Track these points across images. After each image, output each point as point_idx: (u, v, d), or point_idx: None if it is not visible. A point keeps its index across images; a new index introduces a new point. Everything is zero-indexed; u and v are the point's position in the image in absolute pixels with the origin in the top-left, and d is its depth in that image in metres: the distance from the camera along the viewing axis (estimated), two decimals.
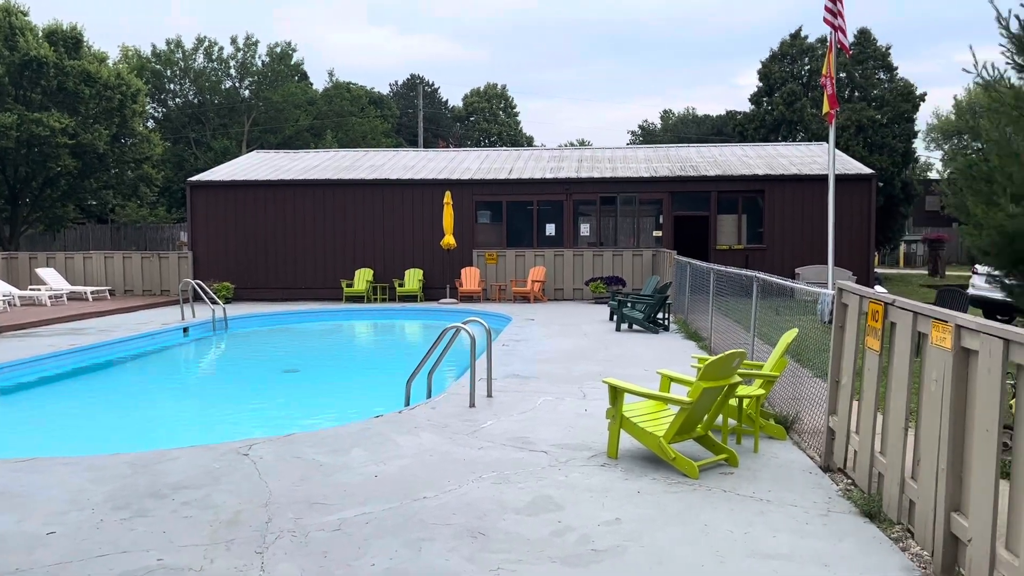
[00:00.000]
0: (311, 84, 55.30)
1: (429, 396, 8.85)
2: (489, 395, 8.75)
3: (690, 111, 71.14)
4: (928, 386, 4.52)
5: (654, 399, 6.58)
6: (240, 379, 12.76)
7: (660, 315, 15.14)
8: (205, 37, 49.36)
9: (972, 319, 4.12)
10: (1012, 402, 4.78)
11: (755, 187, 22.25)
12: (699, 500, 5.47)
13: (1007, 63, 14.24)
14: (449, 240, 20.77)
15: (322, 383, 12.33)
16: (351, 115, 52.68)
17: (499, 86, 70.10)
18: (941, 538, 4.22)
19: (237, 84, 50.47)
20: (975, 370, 4.03)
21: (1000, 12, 13.71)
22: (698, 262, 14.73)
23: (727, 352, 6.16)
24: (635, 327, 14.99)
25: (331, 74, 58.04)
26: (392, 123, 59.24)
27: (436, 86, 68.67)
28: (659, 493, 5.61)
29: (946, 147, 54.75)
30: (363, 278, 22.16)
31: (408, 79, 67.85)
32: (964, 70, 23.67)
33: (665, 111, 74.90)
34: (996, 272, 14.66)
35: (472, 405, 8.27)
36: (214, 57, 49.51)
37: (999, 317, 17.06)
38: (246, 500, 5.45)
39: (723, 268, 12.21)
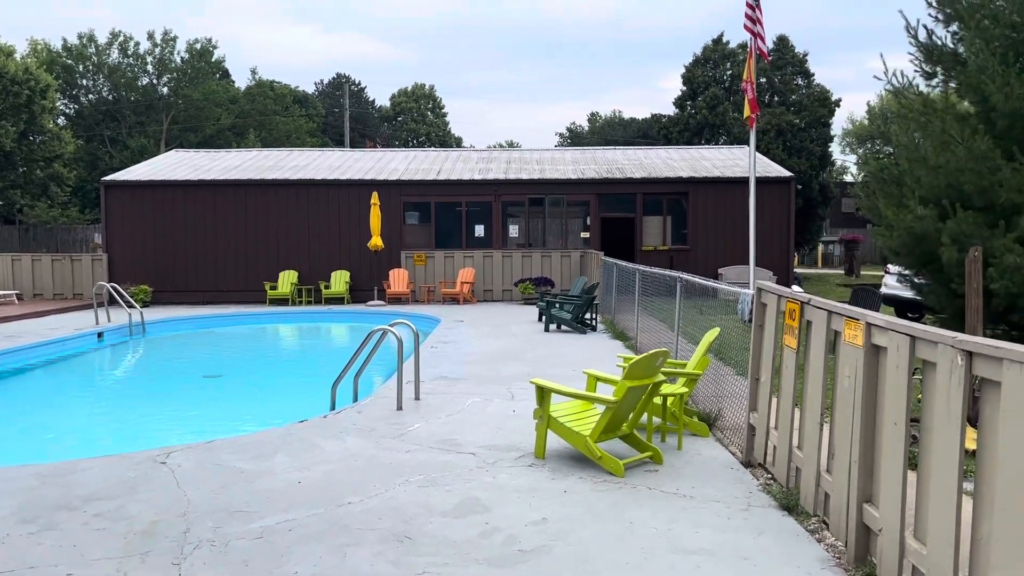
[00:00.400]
0: (233, 82, 54.02)
1: (355, 400, 8.73)
2: (417, 398, 8.68)
3: (617, 114, 72.18)
4: (842, 382, 4.67)
5: (581, 399, 6.63)
6: (158, 385, 12.35)
7: (588, 315, 15.29)
8: (120, 31, 47.70)
9: (882, 317, 4.28)
10: (919, 396, 4.98)
11: (679, 189, 22.70)
12: (625, 498, 5.54)
13: (915, 71, 14.87)
14: (376, 241, 20.56)
15: (245, 388, 12.04)
16: (275, 114, 51.66)
17: (427, 86, 69.81)
18: (854, 529, 4.37)
19: (155, 81, 48.92)
20: (884, 366, 4.18)
21: (909, 22, 14.31)
22: (624, 263, 14.94)
23: (651, 351, 6.26)
24: (563, 327, 15.11)
25: (254, 72, 56.88)
26: (317, 123, 58.36)
27: (363, 85, 68.00)
28: (586, 492, 5.65)
29: (860, 151, 56.97)
30: (287, 280, 21.74)
31: (334, 78, 66.94)
32: (876, 77, 24.24)
33: (592, 113, 75.80)
34: (906, 271, 15.32)
35: (399, 408, 8.19)
36: (130, 52, 47.86)
37: (910, 315, 17.81)
38: (163, 510, 5.27)
39: (648, 269, 12.40)
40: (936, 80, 14.44)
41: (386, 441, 7.02)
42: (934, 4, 13.91)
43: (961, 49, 13.50)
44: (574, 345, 13.15)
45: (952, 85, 14.13)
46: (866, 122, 55.95)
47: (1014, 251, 11.42)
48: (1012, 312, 12.32)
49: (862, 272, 36.33)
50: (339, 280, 21.77)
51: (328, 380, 8.69)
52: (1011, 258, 11.36)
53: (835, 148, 53.13)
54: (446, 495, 5.58)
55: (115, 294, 17.10)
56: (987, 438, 3.24)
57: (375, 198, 20.80)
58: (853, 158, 59.34)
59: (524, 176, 22.95)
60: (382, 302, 20.84)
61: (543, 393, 6.41)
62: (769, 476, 5.98)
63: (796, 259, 43.62)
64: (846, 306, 4.83)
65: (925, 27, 13.82)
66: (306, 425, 7.56)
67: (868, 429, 4.33)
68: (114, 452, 6.69)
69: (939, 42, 13.90)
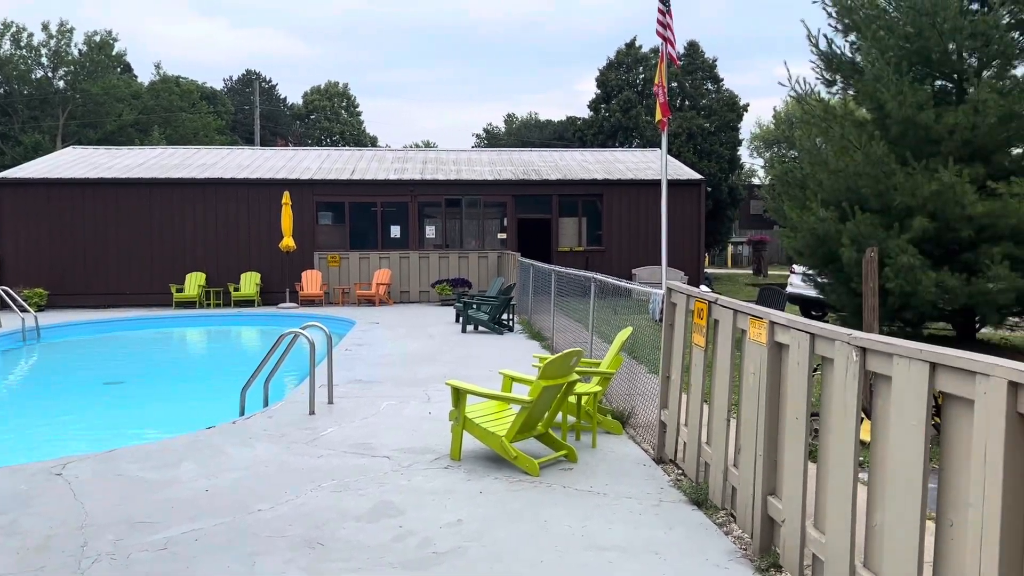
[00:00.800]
0: (135, 77, 52.02)
1: (266, 405, 8.51)
2: (330, 401, 8.53)
3: (533, 116, 72.70)
4: (747, 379, 4.82)
5: (496, 399, 6.64)
6: (54, 393, 11.76)
7: (505, 316, 15.34)
8: (12, 22, 45.27)
9: (784, 316, 4.43)
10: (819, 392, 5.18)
11: (594, 191, 23.03)
12: (540, 497, 5.57)
13: (817, 78, 15.49)
14: (288, 242, 20.12)
15: (149, 395, 11.58)
16: (181, 111, 49.94)
17: (341, 84, 68.74)
18: (759, 520, 4.51)
19: (50, 74, 46.59)
20: (786, 363, 4.33)
21: (811, 31, 14.89)
22: (540, 264, 15.05)
23: (565, 351, 6.32)
24: (481, 328, 15.12)
25: (158, 67, 54.55)
26: (227, 120, 56.74)
27: (274, 83, 66.47)
28: (501, 492, 5.66)
29: (768, 155, 59.01)
30: (195, 283, 21.04)
31: (244, 74, 65.23)
32: (780, 83, 25.17)
33: (509, 115, 76.10)
34: (810, 271, 15.96)
35: (312, 412, 8.03)
36: (23, 44, 45.47)
37: (814, 313, 18.51)
38: (59, 523, 5.02)
39: (564, 269, 12.53)
40: (836, 87, 15.10)
41: (298, 446, 6.87)
42: (834, 15, 14.55)
43: (859, 58, 14.16)
44: (491, 346, 13.17)
45: (851, 92, 14.81)
46: (773, 127, 58.00)
47: (908, 252, 12.04)
48: (906, 310, 12.98)
49: (770, 272, 37.64)
50: (249, 282, 21.21)
51: (237, 385, 8.44)
52: (905, 258, 11.97)
53: (744, 152, 54.87)
54: (359, 499, 5.49)
55: (6, 298, 16.21)
56: (879, 430, 3.39)
57: (286, 198, 20.35)
58: (761, 161, 61.42)
59: (441, 177, 22.87)
60: (295, 304, 20.41)
61: (458, 394, 6.39)
62: (680, 472, 6.12)
63: (707, 259, 44.84)
64: (751, 305, 4.98)
65: (825, 36, 14.44)
66: (214, 432, 7.33)
67: (772, 424, 4.48)
68: (5, 464, 6.33)
69: (839, 51, 14.55)
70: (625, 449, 6.87)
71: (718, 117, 34.04)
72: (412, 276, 21.67)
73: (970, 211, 11.77)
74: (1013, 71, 13.63)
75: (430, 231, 23.04)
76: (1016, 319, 13.77)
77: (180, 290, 20.89)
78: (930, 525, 3.11)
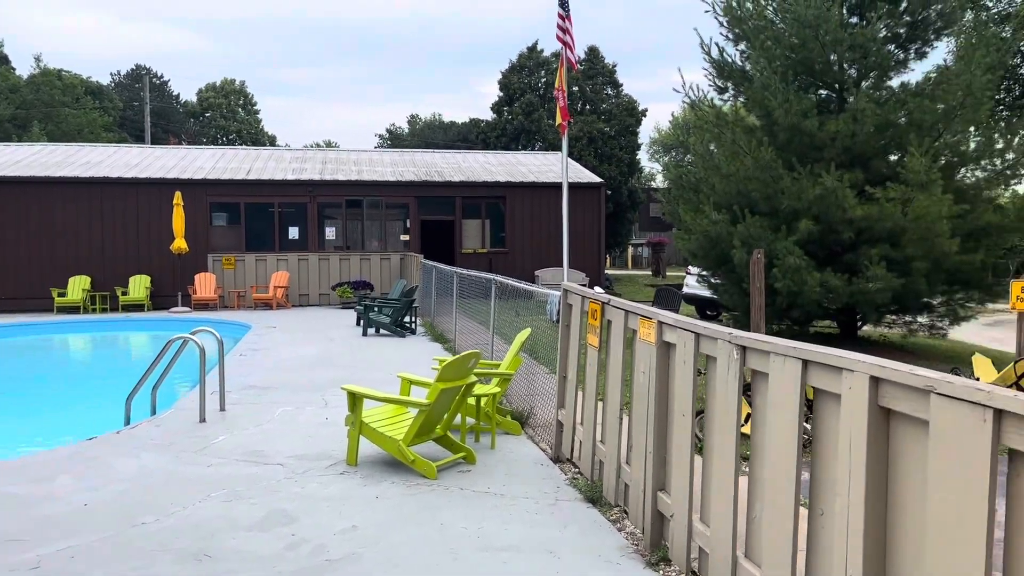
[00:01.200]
0: (13, 69, 49.06)
1: (154, 413, 8.17)
2: (222, 409, 8.25)
3: (437, 117, 72.42)
4: (638, 377, 4.93)
5: (393, 403, 6.58)
6: None
7: (407, 319, 15.22)
8: None
9: (672, 316, 4.55)
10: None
11: (497, 193, 23.13)
12: (437, 500, 5.55)
13: (710, 85, 16.02)
14: (180, 244, 19.37)
15: (26, 406, 10.92)
16: (64, 106, 47.39)
17: (237, 82, 66.71)
18: (649, 516, 4.62)
19: None
20: (674, 361, 4.46)
21: (704, 40, 15.39)
22: (443, 266, 15.01)
23: (463, 353, 6.32)
24: (383, 331, 14.95)
25: (38, 59, 51.57)
26: (114, 117, 54.21)
27: (166, 78, 63.91)
28: (398, 496, 5.61)
29: (666, 159, 60.68)
30: (78, 286, 20.01)
31: (133, 69, 62.49)
32: (675, 90, 25.82)
33: (413, 116, 75.56)
34: (704, 272, 16.49)
35: (203, 420, 7.76)
36: None
37: (709, 313, 19.13)
38: None
39: (465, 271, 12.53)
40: (727, 95, 15.67)
41: (187, 455, 6.62)
42: (725, 24, 15.10)
43: (748, 67, 14.74)
44: (393, 349, 13.04)
45: (741, 100, 15.41)
46: (670, 132, 59.73)
47: (794, 253, 12.59)
48: (793, 309, 13.57)
49: (668, 273, 38.69)
50: (139, 286, 20.32)
51: (123, 394, 8.07)
52: (792, 259, 12.52)
53: (643, 156, 56.26)
54: (251, 508, 5.34)
55: None
56: (758, 424, 3.53)
57: (178, 198, 19.58)
58: (659, 165, 63.12)
59: (341, 177, 22.49)
60: (187, 308, 19.67)
61: (355, 399, 6.30)
62: (576, 470, 6.21)
63: (608, 261, 45.69)
64: (641, 306, 5.10)
65: (717, 45, 14.97)
66: (96, 442, 6.98)
67: (661, 421, 4.60)
68: None
69: (730, 60, 15.10)
70: (523, 449, 6.92)
71: (618, 122, 34.76)
72: (312, 279, 21.23)
73: (851, 214, 12.42)
74: (889, 82, 14.48)
75: (330, 232, 22.63)
76: (893, 317, 14.61)
77: (62, 294, 19.82)
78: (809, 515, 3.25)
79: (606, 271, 30.30)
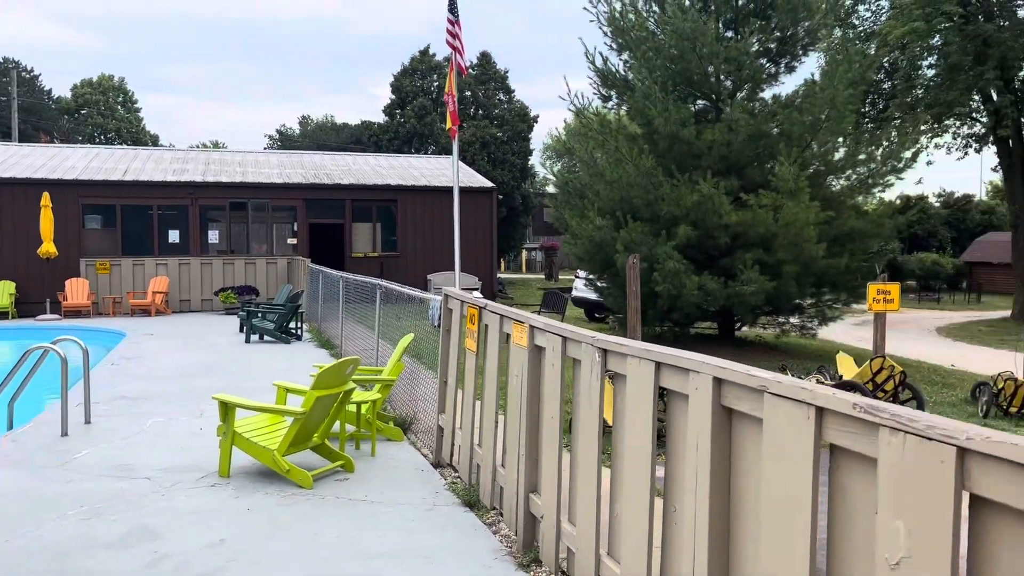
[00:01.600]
0: None
1: (10, 428, 7.67)
2: (87, 421, 7.84)
3: (329, 118, 71.08)
4: (512, 381, 4.99)
5: (268, 412, 6.41)
6: None
7: (293, 324, 14.87)
8: None
9: (542, 320, 4.63)
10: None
11: (389, 196, 22.92)
12: (312, 510, 5.44)
13: (595, 93, 16.36)
14: (48, 248, 18.28)
15: None
16: None
17: (116, 78, 63.61)
18: (522, 518, 4.68)
19: None
20: (544, 364, 4.53)
21: (588, 49, 15.73)
22: (330, 270, 14.75)
23: (340, 360, 6.23)
24: (267, 338, 14.55)
25: None
26: None
27: (36, 72, 60.22)
28: (271, 507, 5.47)
29: (560, 165, 61.61)
30: None
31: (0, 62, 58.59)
32: (560, 97, 26.36)
33: (304, 117, 73.85)
34: (591, 276, 16.84)
35: (65, 434, 7.34)
36: None
37: (597, 315, 19.53)
38: None
39: (351, 276, 12.37)
40: (611, 103, 16.08)
41: (45, 471, 6.25)
42: (609, 34, 15.49)
43: (631, 76, 15.17)
44: (277, 356, 12.72)
45: (624, 108, 15.83)
46: (564, 137, 60.68)
47: (674, 258, 13.02)
48: (674, 311, 14.04)
49: (560, 277, 39.31)
50: (2, 292, 19.05)
51: None
52: (671, 264, 12.94)
53: (537, 161, 56.95)
54: (112, 525, 5.09)
55: None
56: (618, 425, 3.63)
57: (46, 199, 18.46)
58: (555, 171, 63.99)
59: (224, 179, 21.76)
60: (57, 316, 18.58)
61: (227, 408, 6.10)
62: (456, 475, 6.22)
63: (503, 265, 46.00)
64: (514, 310, 5.16)
65: (601, 54, 15.35)
66: None
67: (533, 423, 4.66)
68: None
69: (614, 69, 15.50)
70: (404, 455, 6.88)
71: (510, 127, 35.08)
72: (193, 284, 20.44)
73: (726, 220, 12.95)
74: (762, 94, 15.19)
75: (213, 236, 21.85)
76: (767, 318, 15.32)
77: None
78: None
79: (500, 275, 30.50)
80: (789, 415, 2.43)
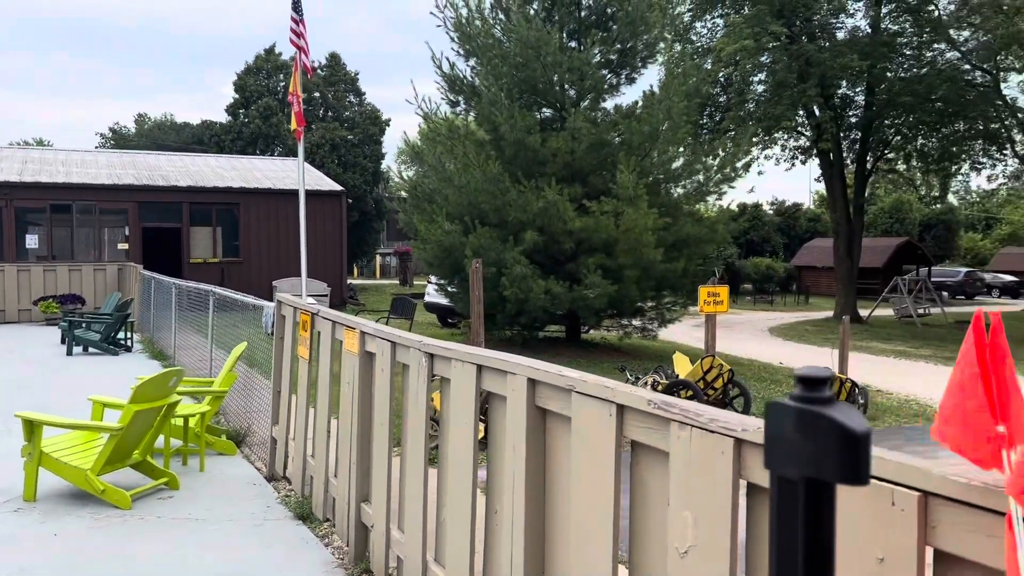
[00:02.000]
0: None
1: None
2: None
3: (168, 117, 67.42)
4: (344, 388, 4.86)
5: (81, 428, 5.95)
6: None
7: (122, 335, 13.93)
8: None
9: (373, 326, 4.54)
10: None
11: (231, 199, 21.98)
12: (129, 531, 5.09)
13: (443, 98, 16.37)
14: None
15: None
16: None
17: None
18: (354, 528, 4.56)
19: None
20: (375, 370, 4.44)
21: (435, 53, 15.70)
22: (163, 277, 13.95)
23: (161, 371, 5.88)
24: (92, 350, 13.55)
25: None
26: None
27: None
28: (82, 531, 5.07)
29: (415, 169, 61.31)
30: None
31: None
32: (408, 101, 25.99)
33: (141, 115, 69.67)
34: (442, 281, 16.81)
35: None
36: None
37: (450, 320, 19.52)
38: None
39: (184, 283, 11.76)
40: (459, 108, 16.15)
41: None
42: (456, 40, 15.55)
43: (478, 82, 15.29)
44: (102, 369, 11.88)
45: (472, 114, 15.94)
46: (419, 142, 60.46)
47: (521, 263, 13.22)
48: (522, 315, 14.24)
49: (415, 282, 39.05)
50: None
51: None
52: (519, 268, 13.12)
53: (391, 165, 56.34)
54: None
55: None
56: (444, 429, 3.61)
57: None
58: (409, 175, 63.56)
59: (45, 179, 20.14)
60: None
61: (32, 427, 5.61)
62: (290, 488, 6.00)
63: (356, 270, 45.20)
64: (346, 316, 5.04)
65: (448, 60, 15.38)
66: None
67: (365, 431, 4.56)
68: None
69: (461, 74, 15.57)
70: (236, 470, 6.57)
71: (361, 130, 34.56)
72: (9, 293, 18.75)
73: (571, 226, 13.28)
74: (604, 104, 15.71)
75: (32, 241, 20.16)
76: (611, 320, 15.83)
77: None
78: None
79: (352, 281, 29.92)
80: (594, 413, 2.49)
